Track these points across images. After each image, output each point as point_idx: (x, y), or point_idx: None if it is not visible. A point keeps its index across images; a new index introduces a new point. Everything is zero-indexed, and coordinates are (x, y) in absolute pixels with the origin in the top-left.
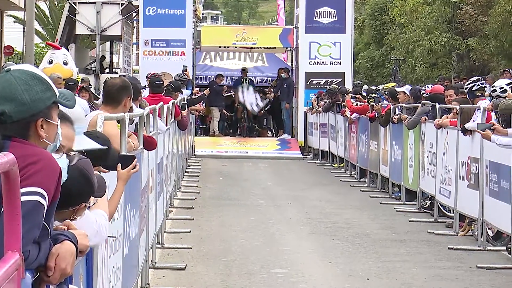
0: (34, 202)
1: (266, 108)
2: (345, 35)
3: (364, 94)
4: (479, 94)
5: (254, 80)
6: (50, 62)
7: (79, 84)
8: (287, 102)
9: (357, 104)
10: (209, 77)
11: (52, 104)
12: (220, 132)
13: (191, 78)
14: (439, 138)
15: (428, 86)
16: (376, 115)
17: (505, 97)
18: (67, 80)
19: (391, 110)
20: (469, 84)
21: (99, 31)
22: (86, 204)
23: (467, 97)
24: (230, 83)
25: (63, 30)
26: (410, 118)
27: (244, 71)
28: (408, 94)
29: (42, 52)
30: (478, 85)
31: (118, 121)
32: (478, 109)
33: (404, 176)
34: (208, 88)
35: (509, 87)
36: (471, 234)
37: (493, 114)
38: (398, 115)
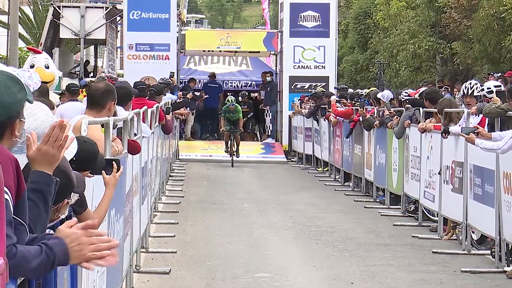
0: None
1: (248, 116)
2: (329, 39)
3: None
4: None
5: (223, 85)
6: (32, 66)
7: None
8: (271, 106)
9: (341, 107)
10: (184, 81)
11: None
12: (192, 136)
13: (176, 84)
14: (423, 142)
15: (406, 92)
16: (361, 119)
17: (491, 98)
18: (70, 85)
19: (375, 113)
20: (471, 87)
21: (83, 35)
22: (68, 201)
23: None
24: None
25: (47, 34)
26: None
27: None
28: (385, 101)
29: (26, 56)
30: (477, 88)
31: (102, 125)
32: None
33: (388, 180)
34: (190, 92)
35: (496, 89)
36: (455, 238)
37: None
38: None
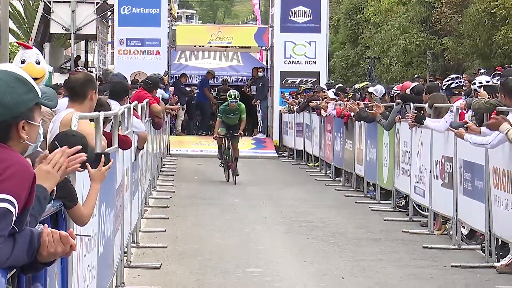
0: (1, 209)
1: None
2: (320, 35)
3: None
4: (457, 92)
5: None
6: (23, 62)
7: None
8: (261, 101)
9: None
10: (175, 77)
11: (35, 105)
12: (183, 131)
13: (167, 84)
14: (414, 137)
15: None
16: (352, 115)
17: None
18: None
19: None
20: (447, 81)
21: (74, 30)
22: (54, 189)
23: (445, 94)
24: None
25: (37, 29)
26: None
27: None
28: (378, 96)
29: (16, 51)
30: (457, 83)
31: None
32: (451, 111)
33: (379, 175)
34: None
35: (484, 84)
36: (446, 233)
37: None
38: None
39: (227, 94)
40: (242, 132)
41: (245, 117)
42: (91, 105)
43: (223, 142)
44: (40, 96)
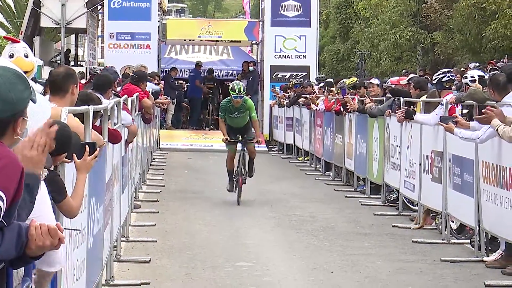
0: None
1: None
2: (311, 29)
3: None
4: (448, 86)
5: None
6: (11, 56)
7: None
8: (252, 95)
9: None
10: (165, 70)
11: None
12: (173, 125)
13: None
14: (403, 132)
15: (388, 82)
16: (342, 109)
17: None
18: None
19: (357, 101)
20: (438, 75)
21: (64, 23)
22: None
23: (436, 88)
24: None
25: (27, 23)
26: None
27: (198, 64)
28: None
29: (5, 44)
30: (448, 76)
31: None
32: (441, 104)
33: (369, 169)
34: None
35: (478, 77)
36: (435, 227)
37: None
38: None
39: (230, 88)
40: (259, 140)
41: (255, 116)
42: (73, 99)
43: (234, 159)
44: (32, 93)
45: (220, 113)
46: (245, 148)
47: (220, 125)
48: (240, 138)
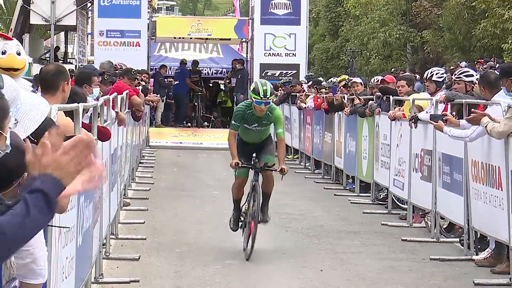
0: None
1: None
2: (300, 27)
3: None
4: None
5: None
6: (3, 53)
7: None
8: (242, 94)
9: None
10: (155, 68)
11: None
12: (162, 123)
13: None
14: (393, 130)
15: (377, 78)
16: (329, 107)
17: (469, 82)
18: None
19: (346, 99)
20: (431, 72)
21: (53, 21)
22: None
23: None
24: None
25: (17, 20)
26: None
27: (183, 62)
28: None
29: None
30: (441, 76)
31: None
32: (431, 103)
33: (358, 168)
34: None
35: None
36: (425, 225)
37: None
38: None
39: (252, 89)
40: (284, 168)
41: (283, 133)
42: (64, 97)
43: (247, 174)
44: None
45: (233, 122)
46: (258, 176)
47: (229, 141)
48: (257, 162)
